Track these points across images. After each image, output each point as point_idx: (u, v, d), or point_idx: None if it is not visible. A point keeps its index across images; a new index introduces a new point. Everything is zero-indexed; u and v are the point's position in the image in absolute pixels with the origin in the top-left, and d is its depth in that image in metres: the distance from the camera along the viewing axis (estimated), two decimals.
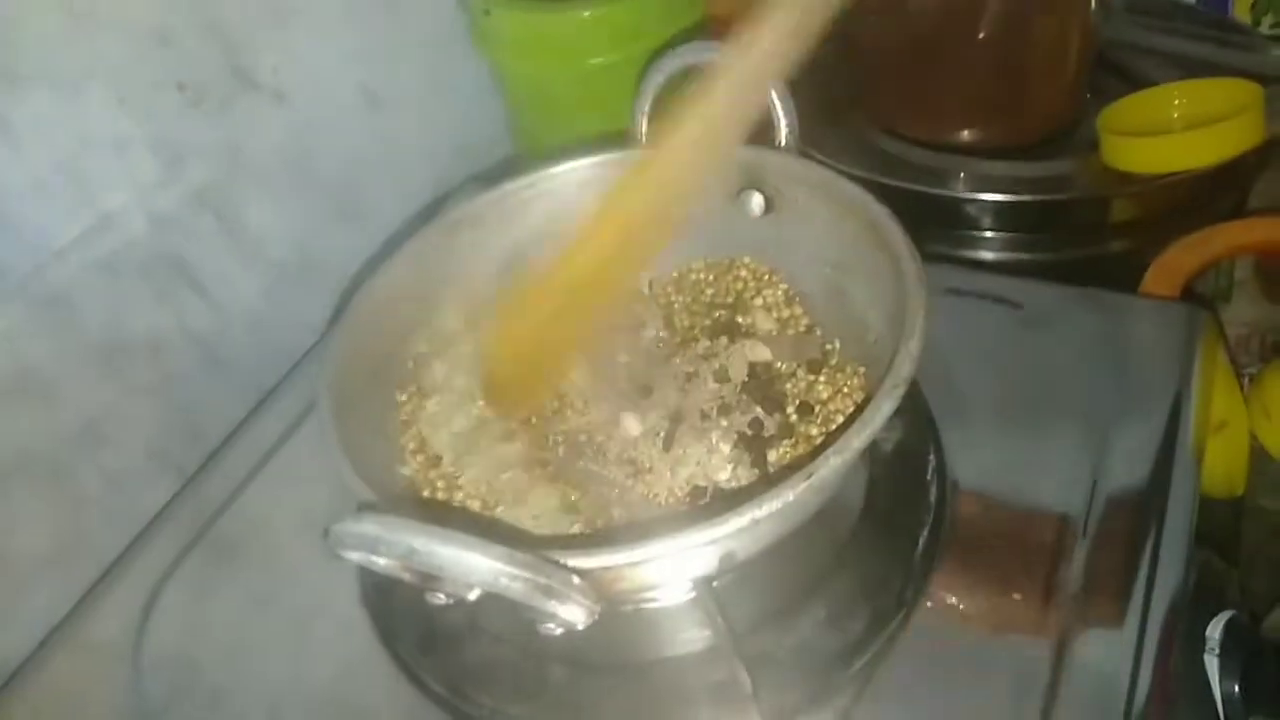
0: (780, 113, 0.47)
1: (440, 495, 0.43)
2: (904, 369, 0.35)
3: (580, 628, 0.30)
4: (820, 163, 0.48)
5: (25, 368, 0.51)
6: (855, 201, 0.44)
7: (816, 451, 0.35)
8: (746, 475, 0.41)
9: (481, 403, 0.45)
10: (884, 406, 0.34)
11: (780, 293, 0.49)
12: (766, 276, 0.50)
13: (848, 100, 0.74)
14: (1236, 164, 0.62)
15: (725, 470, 0.41)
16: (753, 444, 0.42)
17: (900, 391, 0.35)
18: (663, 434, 0.43)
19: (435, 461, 0.44)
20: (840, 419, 0.43)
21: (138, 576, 0.49)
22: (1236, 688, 0.41)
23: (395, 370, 0.45)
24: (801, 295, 0.49)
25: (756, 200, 0.49)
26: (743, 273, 0.51)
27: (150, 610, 0.47)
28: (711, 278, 0.51)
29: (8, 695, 0.45)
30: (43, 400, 0.52)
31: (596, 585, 0.31)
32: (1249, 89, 0.62)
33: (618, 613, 0.39)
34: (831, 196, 0.45)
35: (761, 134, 0.48)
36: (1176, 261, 0.60)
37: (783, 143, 0.48)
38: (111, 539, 0.52)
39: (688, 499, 0.41)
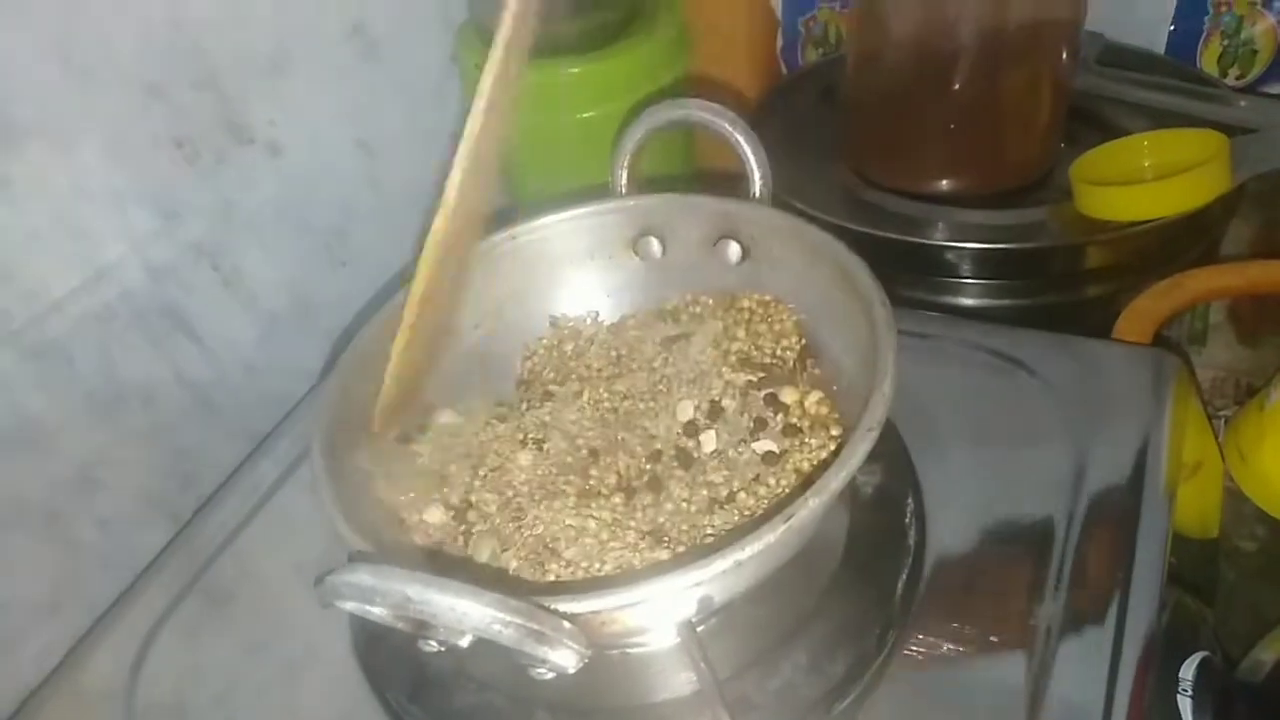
0: (753, 165, 0.49)
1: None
2: (877, 411, 0.36)
3: (571, 671, 0.31)
4: (800, 212, 0.49)
5: (21, 416, 0.51)
6: (826, 249, 0.45)
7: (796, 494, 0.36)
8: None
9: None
10: (860, 448, 0.35)
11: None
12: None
13: (827, 150, 0.76)
14: (1206, 211, 0.63)
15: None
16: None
17: (875, 434, 0.36)
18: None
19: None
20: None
21: (131, 623, 0.49)
22: None
23: None
24: None
25: (733, 249, 0.50)
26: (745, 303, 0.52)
27: (144, 657, 0.47)
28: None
29: None
30: (38, 448, 0.52)
31: (586, 629, 0.32)
32: (1216, 139, 0.64)
33: (604, 658, 0.40)
34: (804, 244, 0.47)
35: (737, 185, 0.50)
36: (1148, 307, 0.61)
37: (756, 194, 0.50)
38: (106, 585, 0.52)
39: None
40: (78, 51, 0.51)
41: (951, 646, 0.41)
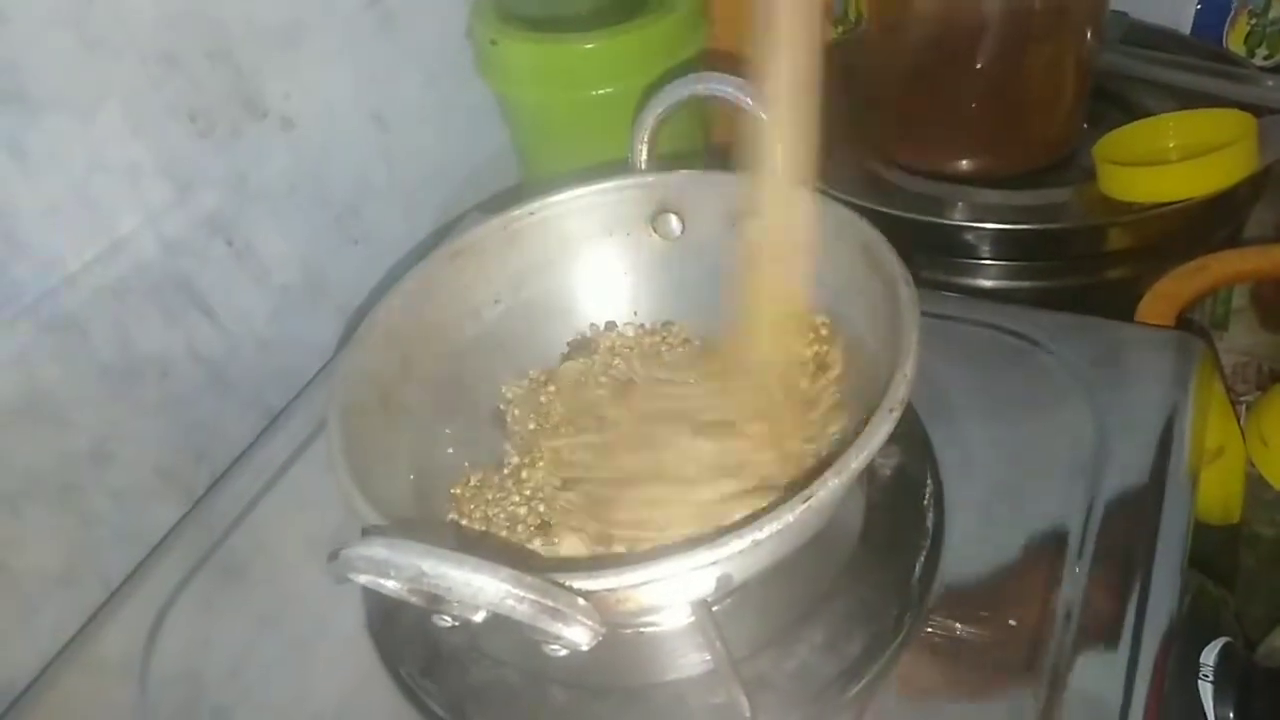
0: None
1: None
2: (899, 392, 0.36)
3: (585, 648, 0.31)
4: (818, 191, 0.48)
5: (36, 389, 0.51)
6: (850, 227, 0.45)
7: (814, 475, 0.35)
8: None
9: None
10: (880, 429, 0.35)
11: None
12: None
13: (847, 130, 0.75)
14: (1231, 193, 0.62)
15: None
16: None
17: (896, 415, 0.35)
18: None
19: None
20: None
21: (145, 596, 0.49)
22: (1231, 715, 0.41)
23: (400, 395, 0.46)
24: None
25: None
26: None
27: (157, 630, 0.47)
28: None
29: (17, 713, 0.46)
30: (53, 421, 0.52)
31: (601, 606, 0.31)
32: (1242, 119, 0.63)
33: (618, 636, 0.40)
34: (827, 223, 0.46)
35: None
36: (1172, 290, 0.60)
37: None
38: (120, 559, 0.53)
39: None
40: (92, 21, 0.50)
41: (969, 629, 0.41)
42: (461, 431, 0.49)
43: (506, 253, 0.50)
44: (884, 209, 0.65)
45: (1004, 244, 0.65)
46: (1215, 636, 0.43)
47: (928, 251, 0.65)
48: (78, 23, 0.50)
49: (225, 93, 0.58)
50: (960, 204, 0.66)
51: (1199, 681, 0.41)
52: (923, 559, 0.43)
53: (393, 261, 0.71)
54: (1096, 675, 0.38)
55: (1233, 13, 0.78)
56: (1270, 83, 0.70)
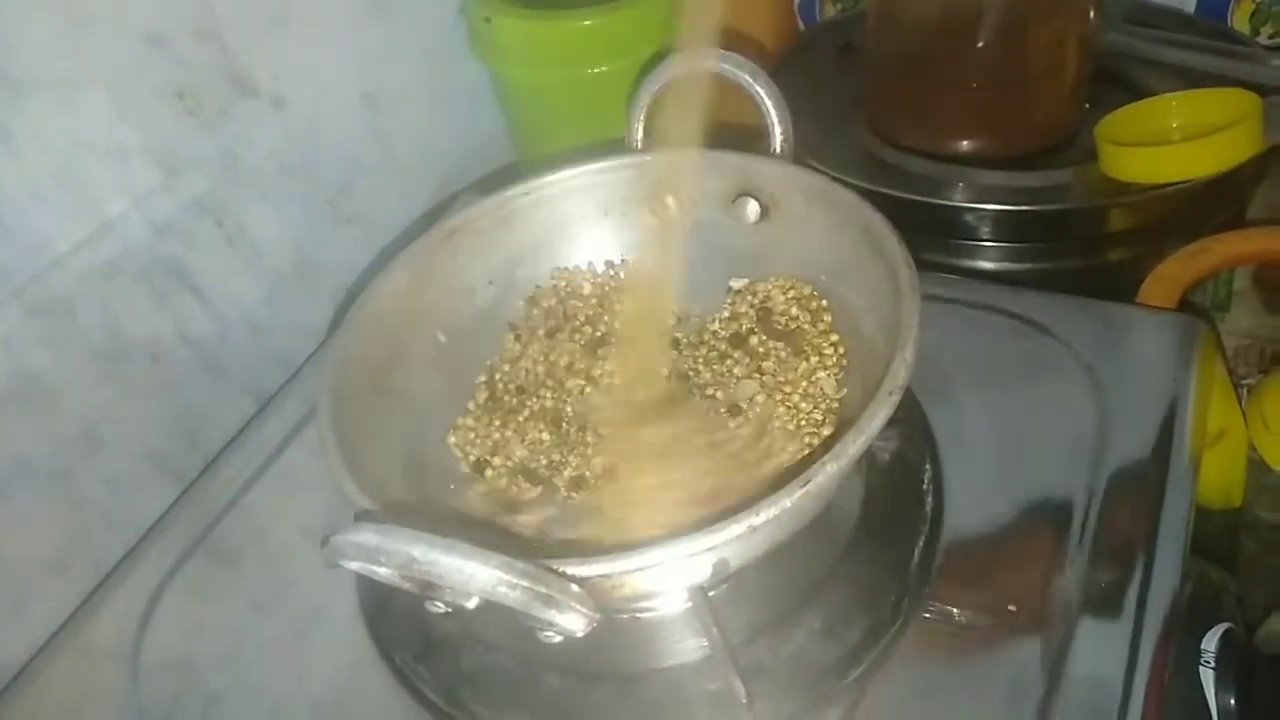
0: (775, 120, 0.48)
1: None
2: (898, 376, 0.35)
3: (579, 635, 0.31)
4: (817, 172, 0.48)
5: (25, 374, 0.51)
6: (850, 208, 0.44)
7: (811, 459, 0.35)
8: None
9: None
10: (879, 414, 0.34)
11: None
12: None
13: (847, 110, 0.74)
14: (1235, 174, 0.62)
15: None
16: None
17: (895, 399, 0.35)
18: None
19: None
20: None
21: (137, 582, 0.49)
22: (1232, 700, 0.41)
23: (393, 378, 0.45)
24: None
25: (752, 207, 0.49)
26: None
27: (150, 615, 0.47)
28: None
29: (8, 700, 0.45)
30: (43, 406, 0.52)
31: (595, 593, 0.31)
32: (1247, 99, 0.62)
33: (614, 622, 0.39)
34: (827, 203, 0.46)
35: (757, 141, 0.49)
36: (1174, 272, 0.59)
37: (778, 150, 0.48)
38: (111, 544, 0.52)
39: None
40: (79, 0, 0.49)
41: (969, 616, 0.41)
42: (454, 413, 0.48)
43: (501, 233, 0.50)
44: (884, 190, 0.64)
45: (1005, 225, 0.64)
46: (1216, 622, 0.43)
47: (928, 233, 0.64)
48: (64, 2, 0.49)
49: (213, 72, 0.57)
50: (961, 185, 0.65)
51: (1200, 668, 0.41)
52: (921, 544, 0.42)
53: (385, 242, 0.70)
54: (1097, 661, 0.38)
55: None
56: (1276, 62, 0.69)
